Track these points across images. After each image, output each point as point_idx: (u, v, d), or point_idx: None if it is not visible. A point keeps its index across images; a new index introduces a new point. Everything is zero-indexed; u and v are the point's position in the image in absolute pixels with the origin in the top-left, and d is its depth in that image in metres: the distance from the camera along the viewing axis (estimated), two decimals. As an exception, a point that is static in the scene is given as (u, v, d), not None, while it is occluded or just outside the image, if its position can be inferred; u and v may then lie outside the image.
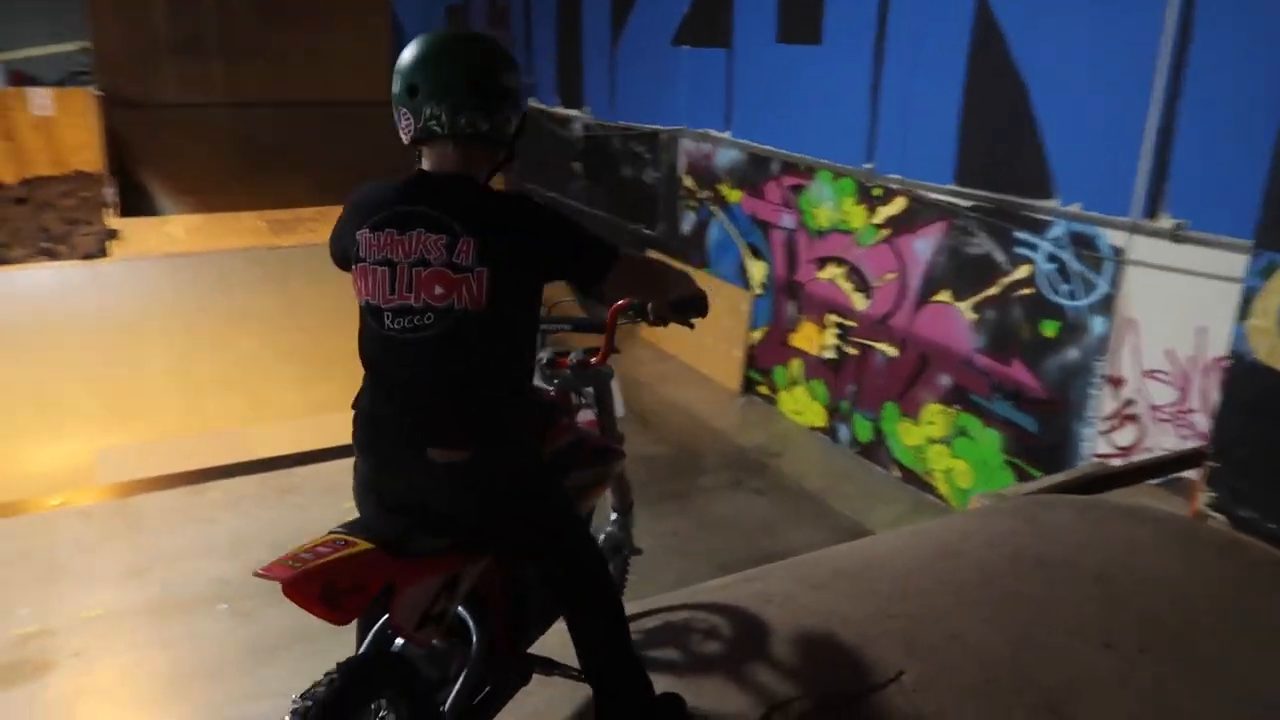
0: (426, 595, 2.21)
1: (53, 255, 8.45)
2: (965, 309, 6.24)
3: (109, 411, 7.18)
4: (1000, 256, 5.97)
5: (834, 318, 7.41)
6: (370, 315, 2.38)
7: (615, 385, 3.41)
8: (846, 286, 7.26)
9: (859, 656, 2.99)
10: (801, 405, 7.85)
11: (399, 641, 2.42)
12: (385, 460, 2.41)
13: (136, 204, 14.07)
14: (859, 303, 7.15)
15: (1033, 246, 5.74)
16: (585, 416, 3.28)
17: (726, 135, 8.49)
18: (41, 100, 13.06)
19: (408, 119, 2.35)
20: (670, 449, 7.42)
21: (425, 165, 2.43)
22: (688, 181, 9.15)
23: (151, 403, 7.31)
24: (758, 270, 8.28)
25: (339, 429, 6.84)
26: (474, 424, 2.34)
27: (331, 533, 2.19)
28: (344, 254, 2.47)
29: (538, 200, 2.42)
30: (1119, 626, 3.17)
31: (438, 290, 2.26)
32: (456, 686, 2.39)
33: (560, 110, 11.52)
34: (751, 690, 2.90)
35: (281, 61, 15.44)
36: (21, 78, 19.83)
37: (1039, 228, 5.65)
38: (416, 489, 2.37)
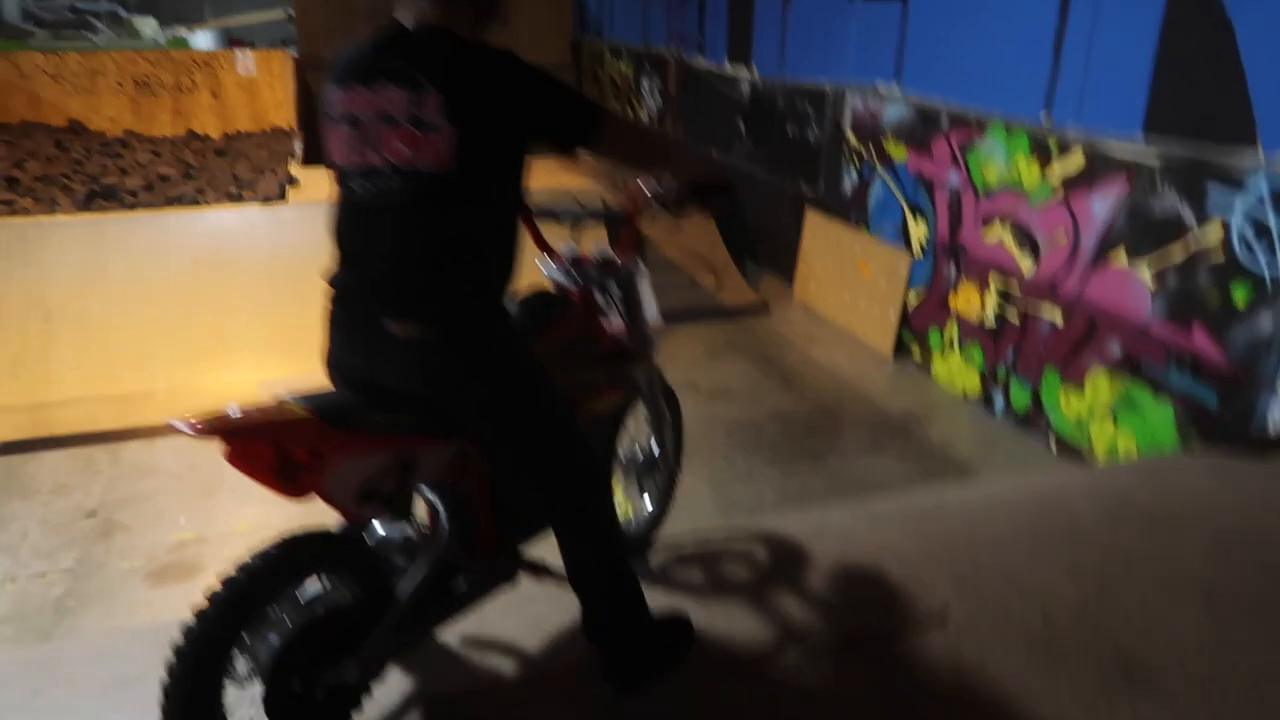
0: (365, 471, 2.13)
1: (238, 199, 9.07)
2: (1144, 272, 5.66)
3: (273, 345, 7.62)
4: (1189, 216, 5.36)
5: (997, 280, 6.92)
6: (338, 179, 2.27)
7: (645, 285, 3.06)
8: (1013, 248, 6.75)
9: (903, 594, 2.75)
10: (955, 371, 7.40)
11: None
12: (347, 335, 2.30)
13: (320, 156, 14.99)
14: (1025, 265, 6.63)
15: (1227, 205, 5.11)
16: (614, 322, 3.01)
17: (895, 90, 8.06)
18: (246, 62, 14.10)
19: None
20: (809, 408, 7.17)
21: (402, 18, 2.24)
22: (852, 139, 8.77)
23: (311, 338, 7.67)
24: (919, 231, 7.85)
25: None
26: (438, 299, 2.17)
27: (275, 397, 2.11)
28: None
29: (519, 57, 2.16)
30: (1226, 583, 2.77)
31: (402, 150, 2.09)
32: (408, 572, 2.28)
33: (729, 70, 11.31)
34: (776, 621, 2.72)
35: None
36: (236, 43, 21.52)
37: (1236, 184, 5.03)
38: (374, 366, 2.24)
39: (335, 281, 2.33)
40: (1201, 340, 5.28)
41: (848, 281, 8.80)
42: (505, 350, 2.28)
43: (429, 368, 2.19)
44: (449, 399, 2.25)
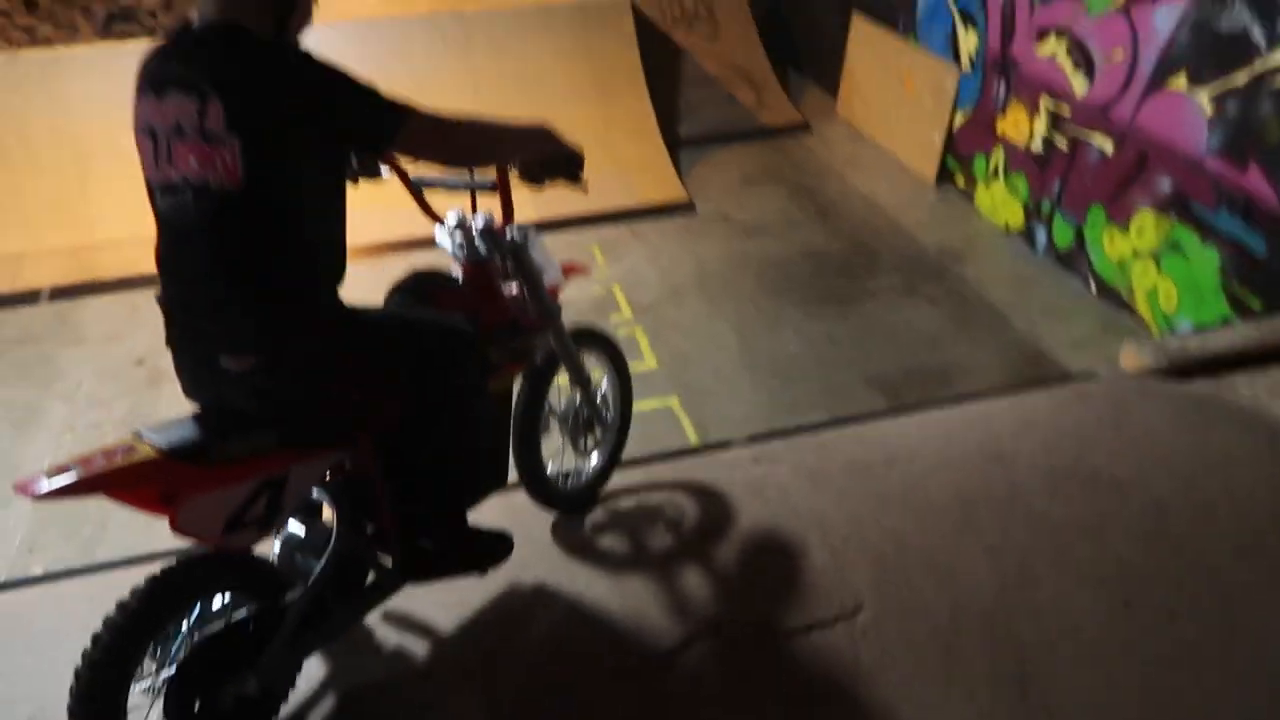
0: (227, 503, 2.07)
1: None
2: (1203, 99, 5.23)
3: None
4: (1259, 34, 4.87)
5: (1047, 102, 6.47)
6: (149, 196, 2.12)
7: (539, 247, 2.95)
8: (1066, 65, 6.26)
9: (821, 581, 2.72)
10: (999, 202, 7.08)
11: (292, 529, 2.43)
12: (190, 372, 2.19)
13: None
14: (1078, 86, 6.16)
15: (1306, 25, 4.62)
16: (511, 289, 2.94)
17: (949, -125, 7.25)
18: None
19: None
20: (844, 245, 6.99)
21: (193, 16, 2.06)
22: (902, -68, 8.00)
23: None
24: (969, 42, 7.28)
25: (515, 205, 6.63)
26: (258, 324, 2.06)
27: (134, 432, 2.07)
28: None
29: (313, 56, 2.00)
30: (1153, 580, 2.67)
31: (193, 164, 1.96)
32: (300, 581, 2.30)
33: None
34: (688, 605, 2.70)
35: None
36: None
37: (1313, 4, 4.52)
38: (223, 397, 2.17)
39: (163, 303, 2.21)
40: (1256, 180, 4.94)
41: (892, 98, 8.31)
42: (341, 358, 2.21)
43: (271, 395, 2.13)
44: (301, 419, 2.19)
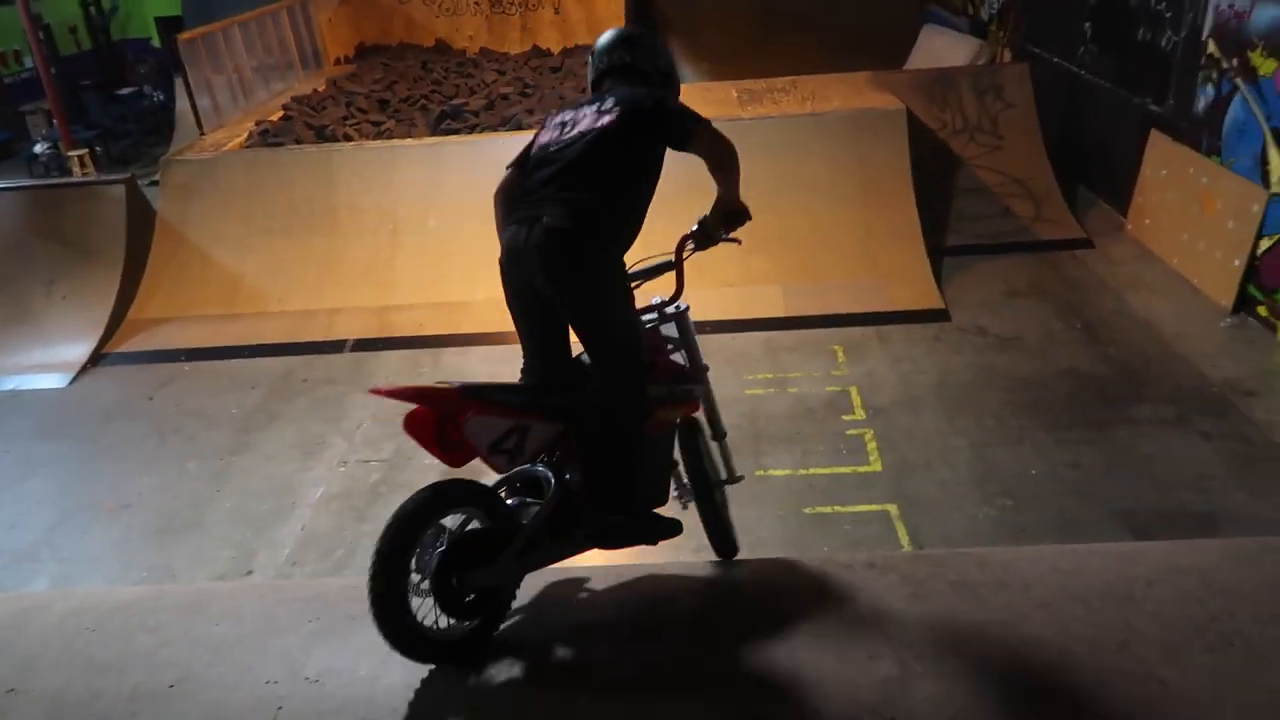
0: (493, 430, 2.88)
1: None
2: None
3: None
4: None
5: (1374, 232, 5.70)
6: (528, 150, 3.14)
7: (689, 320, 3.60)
8: (1400, 192, 5.51)
9: (882, 688, 2.51)
10: (1307, 337, 6.26)
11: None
12: (518, 244, 2.88)
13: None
14: None
15: None
16: (677, 358, 3.49)
17: (1269, -14, 6.71)
18: (583, -25, 14.72)
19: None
20: (1109, 368, 6.45)
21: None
22: (1211, 47, 7.46)
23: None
24: (1280, 163, 6.60)
25: (765, 300, 7.38)
26: (577, 213, 2.81)
27: (443, 380, 2.94)
28: None
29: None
30: None
31: (588, 123, 2.99)
32: (533, 514, 2.97)
33: (1077, -41, 9.98)
34: (735, 686, 2.62)
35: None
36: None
37: None
38: (524, 262, 2.84)
39: (505, 227, 3.02)
40: None
41: (1189, 219, 7.65)
42: (598, 295, 2.89)
43: (556, 259, 2.78)
44: (560, 291, 2.83)
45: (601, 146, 2.84)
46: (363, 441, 6.44)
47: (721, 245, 3.48)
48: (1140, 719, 2.46)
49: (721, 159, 3.07)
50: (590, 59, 3.19)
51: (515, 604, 3.17)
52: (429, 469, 6.03)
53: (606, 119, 2.86)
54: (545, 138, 3.01)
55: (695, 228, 3.37)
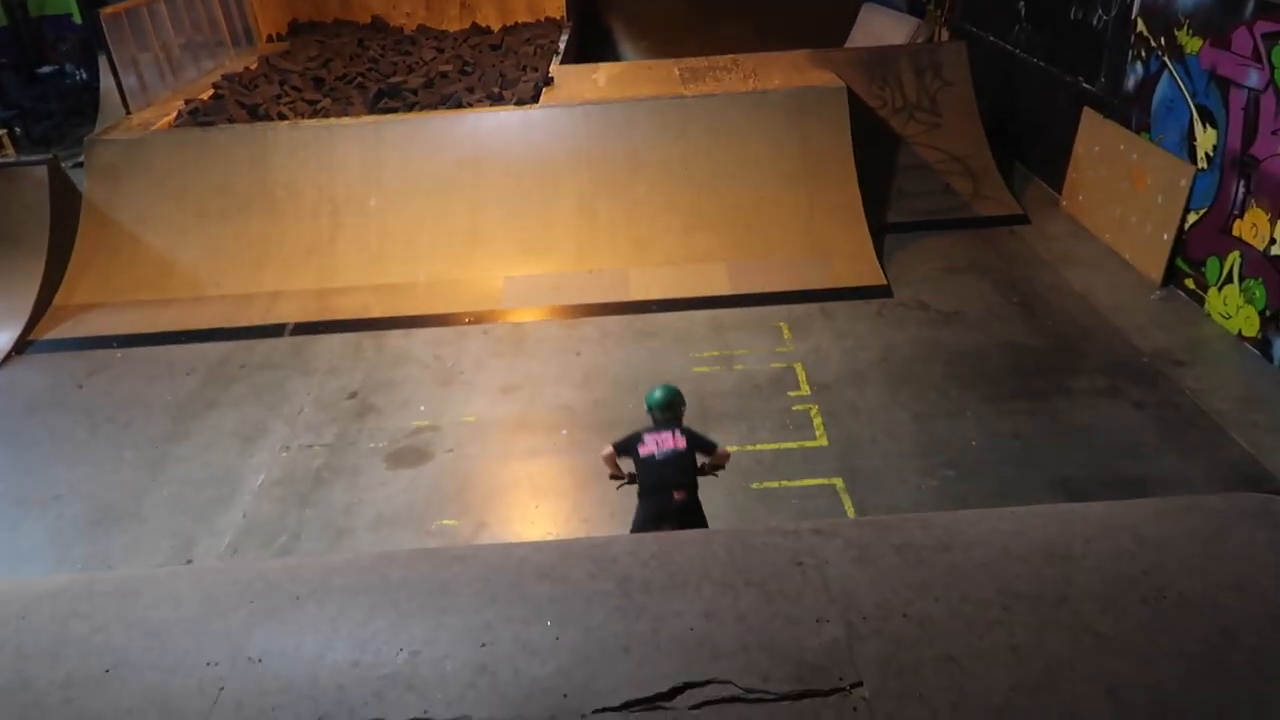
0: None
1: (497, 100, 9.54)
2: None
3: (519, 244, 8.15)
4: None
5: (1294, 204, 5.89)
6: (649, 459, 4.54)
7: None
8: (1319, 165, 5.70)
9: (830, 654, 2.55)
10: (1232, 307, 6.46)
11: None
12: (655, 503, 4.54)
13: (597, 46, 15.34)
14: (1331, 188, 5.59)
15: None
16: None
17: (1195, -34, 6.88)
18: (525, -48, 14.51)
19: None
20: (1047, 341, 6.60)
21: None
22: (1140, 26, 7.63)
23: (554, 238, 8.14)
24: (1206, 139, 6.78)
25: (710, 278, 7.62)
26: (687, 488, 4.49)
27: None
28: None
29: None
30: (1193, 713, 2.30)
31: (671, 443, 4.49)
32: None
33: (1012, -61, 10.12)
34: (690, 653, 2.64)
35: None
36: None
37: None
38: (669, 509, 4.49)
39: (650, 490, 4.54)
40: None
41: (1120, 194, 7.84)
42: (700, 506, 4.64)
43: (683, 515, 4.47)
44: (684, 525, 4.35)
45: (684, 456, 4.47)
46: (304, 426, 6.32)
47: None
48: (1080, 669, 2.53)
49: (719, 460, 4.61)
50: (649, 405, 4.60)
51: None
52: (373, 453, 5.96)
53: (681, 443, 4.48)
54: (648, 450, 4.49)
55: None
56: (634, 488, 4.55)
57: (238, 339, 7.51)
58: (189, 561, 5.12)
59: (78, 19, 17.30)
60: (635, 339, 6.96)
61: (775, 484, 5.36)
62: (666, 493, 4.36)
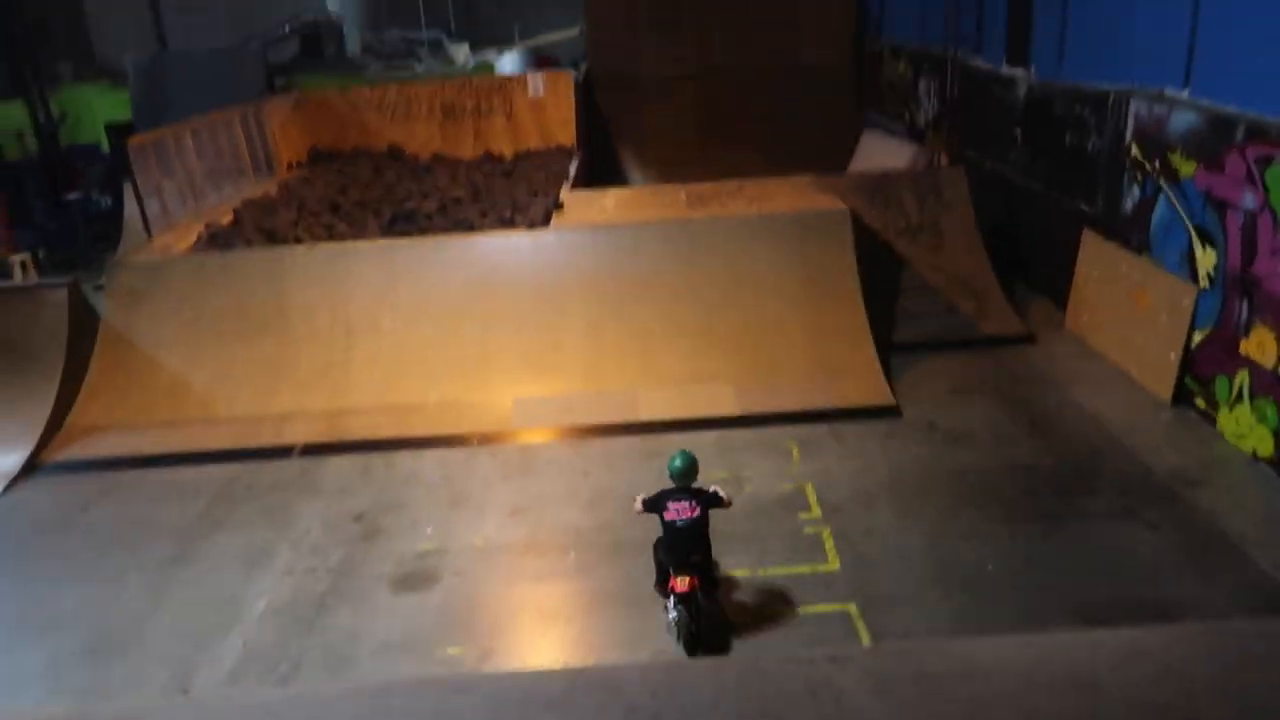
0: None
1: (509, 224, 9.80)
2: None
3: (528, 364, 8.22)
4: None
5: (1298, 324, 5.94)
6: (672, 522, 5.15)
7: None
8: (1319, 286, 5.77)
9: None
10: (1245, 427, 6.44)
11: None
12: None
13: (606, 172, 15.82)
14: (1333, 308, 5.64)
15: None
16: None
17: (1184, 95, 7.13)
18: (535, 83, 15.14)
19: None
20: (1057, 461, 6.56)
21: None
22: (1135, 150, 7.86)
23: (563, 359, 8.22)
24: (1207, 259, 6.89)
25: (718, 398, 7.87)
26: (704, 543, 5.25)
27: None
28: None
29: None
30: None
31: (686, 510, 5.12)
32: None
33: (1005, 70, 10.54)
34: None
35: (747, 28, 16.17)
36: (544, 61, 23.14)
37: None
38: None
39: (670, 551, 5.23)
40: None
41: (1124, 314, 7.92)
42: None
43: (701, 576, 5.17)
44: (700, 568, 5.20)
45: (699, 521, 5.08)
46: (310, 549, 6.25)
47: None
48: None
49: (726, 506, 5.22)
50: (671, 473, 5.21)
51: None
52: (378, 577, 5.87)
53: (697, 510, 5.08)
54: (671, 516, 5.10)
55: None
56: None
57: (247, 460, 7.51)
58: (186, 691, 4.98)
59: (106, 148, 17.98)
60: (644, 459, 6.94)
61: (787, 609, 5.25)
62: (685, 553, 5.10)
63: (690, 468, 5.19)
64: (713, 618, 5.06)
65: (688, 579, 4.99)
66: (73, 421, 8.07)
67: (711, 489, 5.19)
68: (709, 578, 5.16)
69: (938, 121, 12.86)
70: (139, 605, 5.72)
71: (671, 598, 5.01)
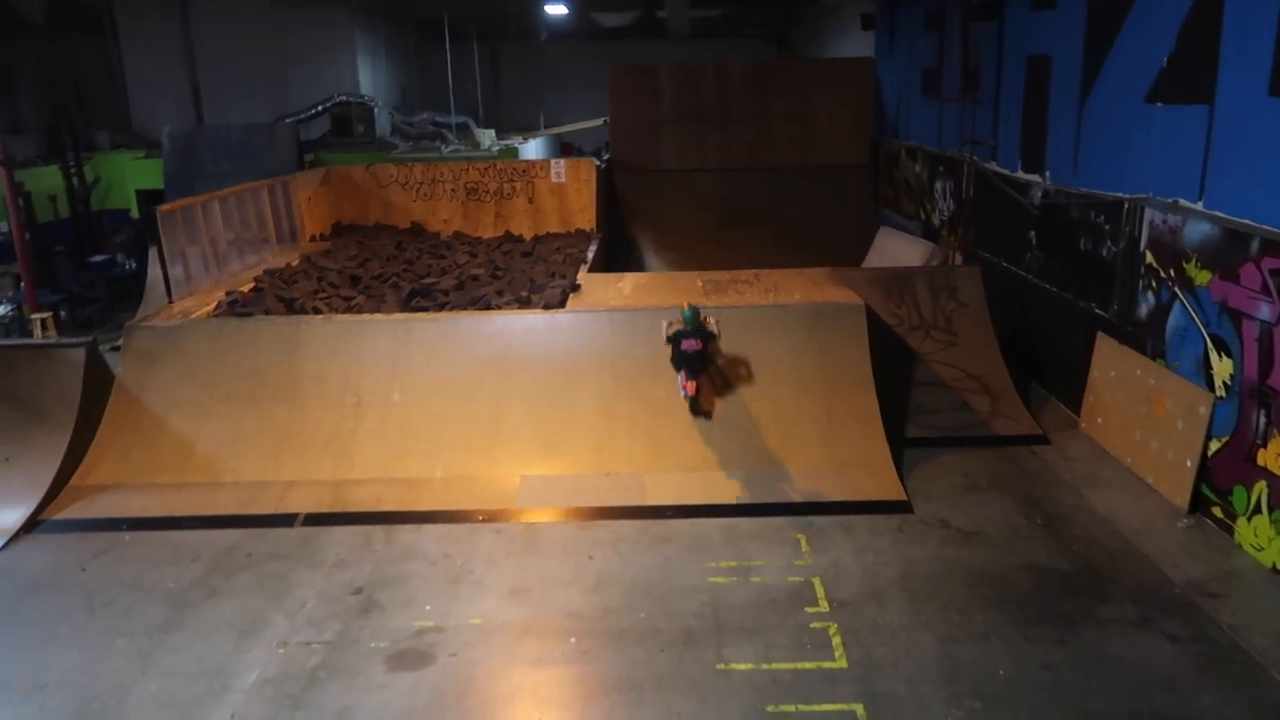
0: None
1: (526, 303, 9.89)
2: None
3: (538, 443, 8.18)
4: None
5: (1318, 436, 5.87)
6: None
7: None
8: (1339, 399, 5.72)
9: None
10: (1264, 539, 6.31)
11: None
12: None
13: (626, 258, 16.02)
14: (1353, 421, 5.58)
15: None
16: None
17: (1198, 206, 7.21)
18: (558, 169, 15.47)
19: None
20: (1072, 564, 6.42)
21: None
22: (1149, 258, 7.92)
23: (572, 439, 8.18)
24: (1223, 368, 6.86)
25: (728, 486, 8.27)
26: None
27: None
28: None
29: None
30: None
31: None
32: None
33: (1020, 175, 10.70)
34: None
35: (767, 127, 16.57)
36: (567, 148, 23.71)
37: None
38: None
39: None
40: None
41: (1139, 419, 7.86)
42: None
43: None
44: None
45: (702, 350, 6.69)
46: (305, 621, 6.13)
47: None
48: None
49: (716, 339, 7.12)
50: (684, 320, 7.39)
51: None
52: (373, 653, 5.73)
53: (700, 345, 6.73)
54: (685, 348, 7.33)
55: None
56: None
57: (248, 526, 7.43)
58: (168, 765, 4.82)
59: (136, 214, 18.37)
60: (650, 545, 6.83)
61: (792, 708, 5.08)
62: (694, 369, 7.66)
63: (696, 318, 7.85)
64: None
65: (694, 384, 7.82)
66: (79, 480, 8.03)
67: (708, 329, 7.89)
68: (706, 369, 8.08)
69: (953, 221, 13.02)
70: (127, 671, 5.59)
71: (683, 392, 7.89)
